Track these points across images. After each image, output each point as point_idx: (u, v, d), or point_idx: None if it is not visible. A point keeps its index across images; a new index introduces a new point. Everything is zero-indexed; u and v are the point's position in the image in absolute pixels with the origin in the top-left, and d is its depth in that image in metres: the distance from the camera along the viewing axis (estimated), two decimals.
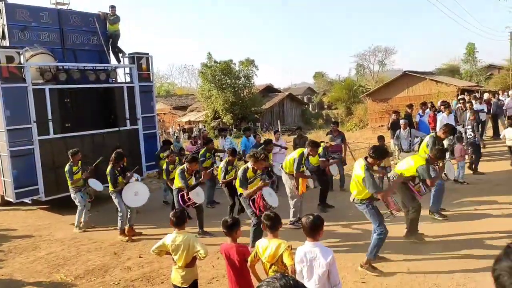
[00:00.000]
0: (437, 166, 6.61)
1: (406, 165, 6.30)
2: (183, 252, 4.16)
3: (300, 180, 7.54)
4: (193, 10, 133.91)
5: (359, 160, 5.70)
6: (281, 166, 8.07)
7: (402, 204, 6.31)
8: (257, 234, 6.11)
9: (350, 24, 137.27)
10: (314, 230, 3.48)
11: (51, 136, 9.69)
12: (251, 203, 6.50)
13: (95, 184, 8.82)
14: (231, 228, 3.96)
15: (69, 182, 8.55)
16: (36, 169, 9.39)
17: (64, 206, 9.97)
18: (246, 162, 7.48)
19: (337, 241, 6.89)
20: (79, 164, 8.63)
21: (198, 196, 7.56)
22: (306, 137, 11.33)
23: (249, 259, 3.83)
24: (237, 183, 6.78)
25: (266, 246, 3.72)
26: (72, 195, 8.68)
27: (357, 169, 5.55)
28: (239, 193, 6.85)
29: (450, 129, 7.67)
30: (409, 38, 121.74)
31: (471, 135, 10.38)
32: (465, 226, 6.92)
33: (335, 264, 3.44)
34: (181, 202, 7.42)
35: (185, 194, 7.41)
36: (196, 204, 7.54)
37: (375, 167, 6.06)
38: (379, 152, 5.51)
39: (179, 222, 4.32)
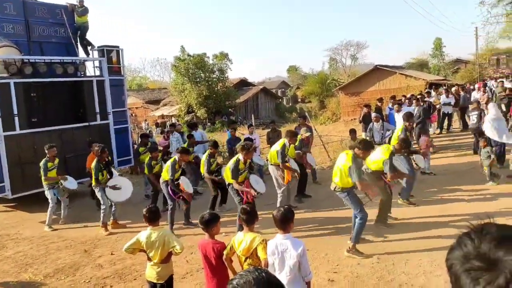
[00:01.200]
0: (412, 159, 6.99)
1: (374, 158, 6.59)
2: (158, 248, 4.12)
3: (286, 170, 7.78)
4: (164, 2, 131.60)
5: (347, 151, 6.05)
6: (266, 159, 8.30)
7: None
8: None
9: (323, 18, 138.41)
10: (284, 222, 3.52)
11: (17, 131, 9.36)
12: (239, 191, 6.81)
13: (69, 183, 8.63)
14: (208, 224, 3.92)
15: (42, 178, 8.36)
16: (1, 166, 9.06)
17: (31, 204, 9.67)
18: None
19: (310, 229, 7.04)
20: (55, 162, 8.47)
21: (188, 187, 7.62)
22: (279, 131, 11.41)
23: (225, 252, 3.83)
24: (227, 173, 7.01)
25: (241, 239, 3.73)
26: (45, 192, 8.49)
27: (343, 159, 5.84)
28: (227, 183, 7.09)
29: (409, 115, 8.65)
30: (380, 33, 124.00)
31: (474, 121, 10.42)
32: (432, 210, 7.33)
33: (306, 256, 3.49)
34: (171, 194, 7.47)
35: (173, 186, 7.41)
36: (188, 194, 7.55)
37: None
38: (366, 145, 5.88)
39: (154, 218, 4.26)
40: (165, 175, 7.64)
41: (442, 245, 5.68)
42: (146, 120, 34.67)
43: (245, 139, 9.84)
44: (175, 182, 7.43)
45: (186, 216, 7.81)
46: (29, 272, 6.21)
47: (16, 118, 9.32)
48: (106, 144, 10.84)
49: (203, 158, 8.38)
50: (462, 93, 15.47)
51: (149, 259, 4.23)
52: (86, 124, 10.66)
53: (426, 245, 5.87)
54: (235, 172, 6.81)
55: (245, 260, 3.70)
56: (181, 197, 7.52)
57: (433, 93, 16.73)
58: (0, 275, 6.21)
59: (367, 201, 6.08)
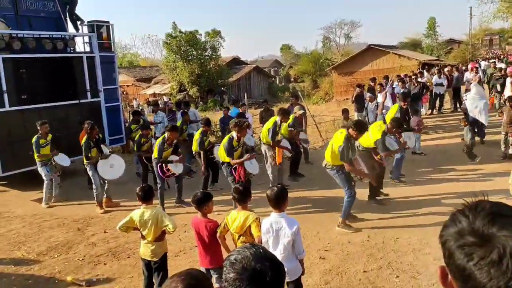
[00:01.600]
0: (399, 137, 7.07)
1: (366, 136, 6.62)
2: (151, 226, 4.15)
3: (277, 150, 7.78)
4: None
5: (341, 130, 6.12)
6: (259, 138, 8.28)
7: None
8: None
9: None
10: (279, 201, 3.55)
11: (7, 108, 9.16)
12: (233, 171, 6.78)
13: (61, 159, 8.57)
14: (201, 203, 3.95)
15: (35, 155, 8.29)
16: None
17: (23, 182, 9.61)
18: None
19: (302, 208, 7.13)
20: (48, 138, 8.38)
21: (176, 167, 7.60)
22: (272, 110, 11.37)
23: (219, 230, 3.87)
24: (221, 152, 6.99)
25: (235, 217, 3.77)
26: (39, 169, 8.42)
27: (336, 137, 5.95)
28: (221, 162, 7.09)
29: (406, 95, 8.76)
30: (374, 11, 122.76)
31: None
32: (423, 190, 7.47)
33: (299, 234, 3.55)
34: (160, 173, 7.45)
35: (163, 165, 7.42)
36: (175, 175, 7.61)
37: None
38: (360, 126, 5.92)
39: (147, 196, 4.27)
40: (156, 153, 7.62)
41: (431, 223, 5.80)
42: (135, 98, 34.30)
43: (238, 115, 9.76)
44: (165, 161, 7.41)
45: (178, 194, 7.82)
46: (22, 250, 6.22)
47: (5, 95, 9.12)
48: (98, 123, 10.76)
49: (196, 135, 8.35)
50: (456, 73, 15.49)
51: (143, 237, 4.25)
52: (77, 101, 10.49)
53: (416, 223, 6.02)
54: (230, 150, 6.76)
55: (238, 238, 3.75)
56: (169, 177, 7.51)
57: (425, 73, 16.72)
58: None
59: (357, 180, 6.19)
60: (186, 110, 10.80)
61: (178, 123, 10.02)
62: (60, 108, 10.16)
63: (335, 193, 7.09)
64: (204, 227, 3.93)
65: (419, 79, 14.30)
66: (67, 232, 6.93)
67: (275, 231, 3.53)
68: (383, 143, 6.49)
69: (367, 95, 10.81)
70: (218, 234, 3.88)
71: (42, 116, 9.47)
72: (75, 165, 10.09)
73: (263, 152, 8.14)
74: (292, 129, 8.68)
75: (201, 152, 7.99)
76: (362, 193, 6.72)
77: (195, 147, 8.22)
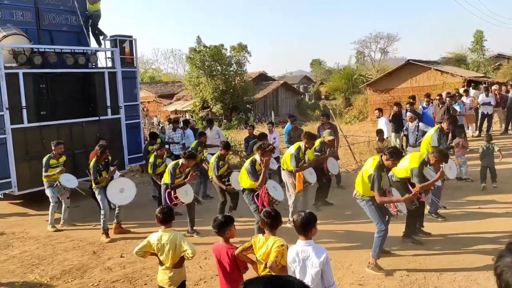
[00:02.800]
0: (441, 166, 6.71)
1: (402, 164, 6.35)
2: (169, 251, 4.19)
3: (297, 177, 7.54)
4: None
5: (375, 156, 5.93)
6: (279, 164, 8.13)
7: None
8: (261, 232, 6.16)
9: (351, 9, 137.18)
10: (306, 227, 3.52)
11: (25, 124, 9.60)
12: (255, 198, 6.62)
13: (67, 180, 8.52)
14: (222, 227, 3.96)
15: (43, 175, 8.44)
16: (8, 161, 9.31)
17: (39, 201, 9.90)
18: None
19: (334, 240, 6.98)
20: (61, 160, 8.52)
21: (186, 195, 7.52)
22: (301, 129, 11.34)
23: (240, 248, 3.86)
24: (242, 177, 6.84)
25: (263, 243, 3.76)
26: (46, 190, 8.57)
27: (368, 165, 5.75)
28: (241, 189, 6.94)
29: (453, 119, 7.85)
30: (413, 24, 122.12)
31: None
32: (468, 226, 7.09)
33: (329, 264, 3.49)
34: (167, 200, 7.38)
35: (171, 192, 7.39)
36: (184, 204, 7.53)
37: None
38: (394, 154, 5.59)
39: (166, 219, 4.33)
40: (166, 177, 7.57)
41: (479, 259, 5.58)
42: (156, 115, 34.98)
43: (259, 136, 9.68)
44: (176, 188, 7.34)
45: (190, 223, 7.67)
46: (36, 273, 6.38)
47: (24, 111, 9.56)
48: (117, 140, 11.08)
49: (212, 159, 8.18)
50: (511, 93, 14.93)
51: (161, 263, 4.30)
52: (97, 118, 10.85)
53: (460, 260, 5.76)
54: (253, 173, 6.63)
55: (264, 269, 3.72)
56: (176, 205, 7.39)
57: (472, 91, 16.35)
58: (5, 275, 6.40)
59: (390, 215, 5.91)
60: (203, 131, 10.80)
61: (193, 145, 9.99)
62: (79, 125, 10.52)
63: (369, 224, 6.89)
64: (225, 254, 3.93)
65: (464, 98, 14.02)
66: (82, 255, 7.07)
67: (301, 260, 3.50)
68: (420, 173, 6.16)
69: (408, 114, 10.66)
70: (237, 252, 3.85)
71: (60, 133, 9.83)
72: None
73: (284, 180, 7.99)
74: (319, 154, 8.33)
75: (215, 178, 7.83)
76: (397, 228, 6.51)
77: (211, 172, 8.10)
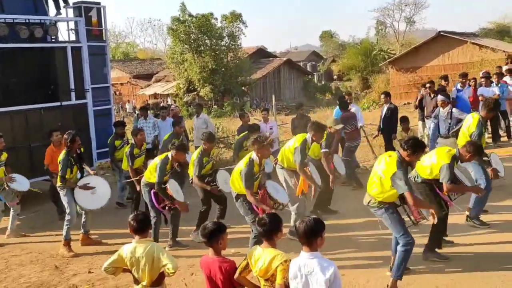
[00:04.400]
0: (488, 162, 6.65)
1: (428, 162, 6.25)
2: (145, 266, 4.18)
3: (301, 176, 7.34)
4: None
5: (389, 153, 5.75)
6: (275, 159, 7.98)
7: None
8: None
9: None
10: (311, 236, 3.52)
11: None
12: (254, 206, 6.37)
13: (17, 183, 8.39)
14: (214, 236, 3.96)
15: None
16: None
17: None
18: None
19: (347, 248, 6.99)
20: (2, 158, 8.38)
21: (178, 193, 7.40)
22: (308, 117, 11.32)
23: (238, 270, 3.89)
24: (235, 183, 6.56)
25: (259, 257, 3.78)
26: None
27: (385, 163, 5.52)
28: (234, 196, 6.65)
29: (494, 105, 7.83)
30: None
31: None
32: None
33: (337, 281, 3.48)
34: (155, 202, 7.32)
35: (158, 193, 7.29)
36: (174, 206, 7.36)
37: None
38: (414, 146, 5.42)
39: (141, 227, 4.31)
40: (149, 175, 7.43)
41: None
42: (129, 101, 34.87)
43: (249, 129, 9.33)
44: (163, 187, 7.22)
45: (173, 233, 7.49)
46: None
47: None
48: (83, 131, 10.98)
49: (194, 155, 7.93)
50: None
51: (136, 281, 4.30)
52: (58, 104, 10.80)
53: (502, 278, 5.77)
54: (249, 179, 6.27)
55: (264, 285, 3.77)
56: (168, 208, 7.32)
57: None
58: None
59: (410, 224, 5.76)
60: (179, 120, 10.57)
61: (166, 137, 9.78)
62: (37, 112, 10.44)
63: (383, 234, 6.81)
64: (217, 268, 3.95)
65: (507, 78, 14.00)
66: (41, 270, 7.05)
67: (304, 276, 3.51)
68: (450, 171, 5.97)
69: (439, 98, 10.60)
70: (236, 275, 3.89)
71: (14, 121, 9.79)
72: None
73: (281, 180, 7.65)
74: (327, 150, 8.18)
75: (196, 179, 7.65)
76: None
77: (191, 171, 7.87)
